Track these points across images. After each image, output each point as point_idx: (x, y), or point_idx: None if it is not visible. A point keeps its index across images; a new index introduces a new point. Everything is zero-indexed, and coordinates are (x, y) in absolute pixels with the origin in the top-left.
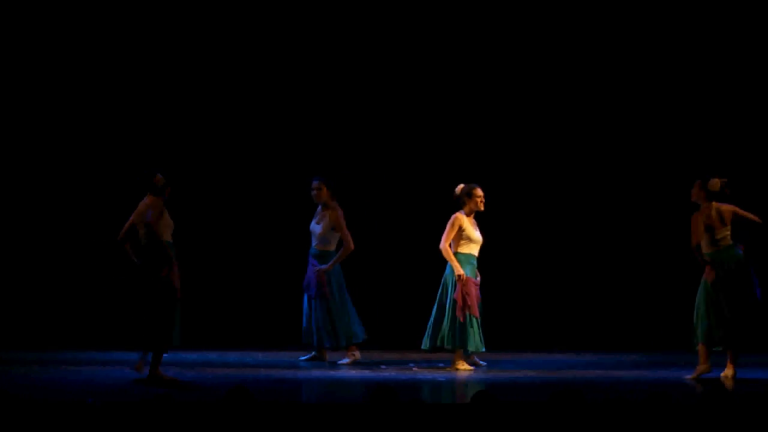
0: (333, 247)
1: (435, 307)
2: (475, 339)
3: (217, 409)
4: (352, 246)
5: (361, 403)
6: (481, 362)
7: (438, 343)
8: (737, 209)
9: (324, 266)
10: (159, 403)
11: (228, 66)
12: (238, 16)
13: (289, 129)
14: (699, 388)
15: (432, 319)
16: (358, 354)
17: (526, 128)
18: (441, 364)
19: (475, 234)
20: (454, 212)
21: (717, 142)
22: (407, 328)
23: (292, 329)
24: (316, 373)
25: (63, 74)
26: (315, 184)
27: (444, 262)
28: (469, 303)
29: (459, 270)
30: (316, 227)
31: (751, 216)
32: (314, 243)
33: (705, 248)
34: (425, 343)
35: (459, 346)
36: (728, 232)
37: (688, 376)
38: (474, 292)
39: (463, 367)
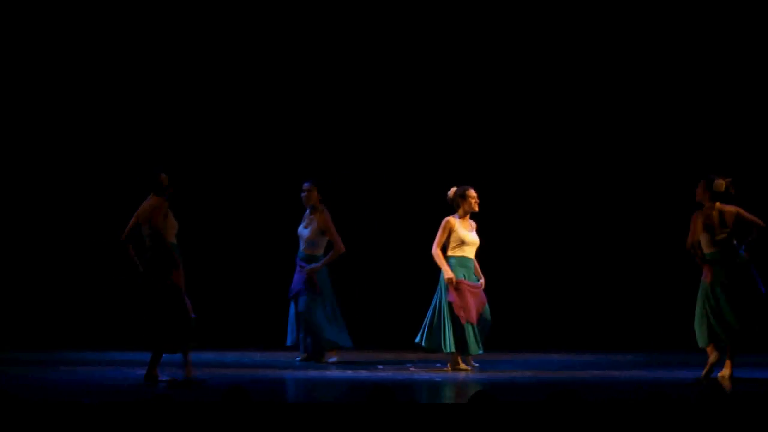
0: (321, 251)
1: (430, 309)
2: (470, 341)
3: (215, 409)
4: (342, 248)
5: (358, 403)
6: (474, 363)
7: (434, 345)
8: (741, 211)
9: (313, 265)
10: (156, 404)
11: (218, 70)
12: (230, 20)
13: (283, 132)
14: (697, 387)
15: (427, 319)
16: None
17: (523, 128)
18: (438, 365)
19: (469, 236)
20: (450, 214)
21: (718, 142)
22: (404, 329)
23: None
24: (313, 373)
25: (62, 75)
26: (306, 186)
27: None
28: (464, 305)
29: (448, 274)
30: (304, 231)
31: (754, 219)
32: (302, 247)
33: (705, 248)
34: (419, 338)
35: (456, 349)
36: (729, 234)
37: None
38: (467, 295)
39: (462, 367)
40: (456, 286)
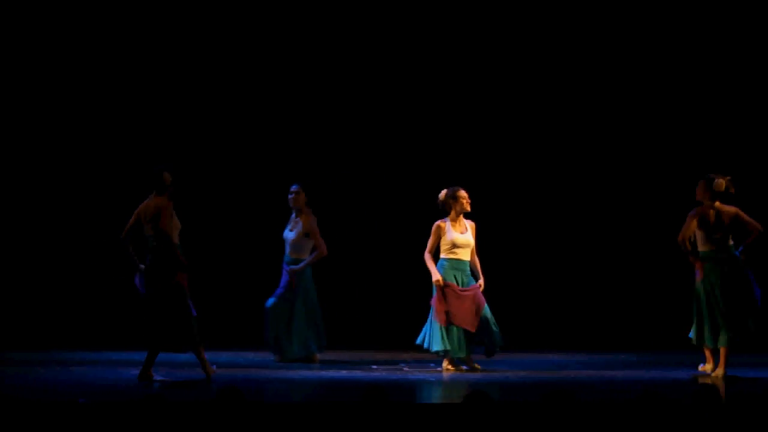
0: (306, 255)
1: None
2: (445, 342)
3: (209, 408)
4: (325, 251)
5: (352, 403)
6: (463, 366)
7: (422, 342)
8: (740, 212)
9: (296, 266)
10: (150, 403)
11: (207, 72)
12: (222, 20)
13: (276, 136)
14: (690, 387)
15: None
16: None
17: (518, 129)
18: (432, 365)
19: (460, 238)
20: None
21: (715, 141)
22: (398, 329)
23: None
24: (307, 373)
25: (61, 76)
26: (294, 189)
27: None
28: (445, 309)
29: (435, 276)
30: (289, 234)
31: (753, 222)
32: (288, 250)
33: (700, 246)
34: (419, 340)
35: (433, 348)
36: (724, 234)
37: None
38: (452, 299)
39: (449, 368)
40: (443, 289)
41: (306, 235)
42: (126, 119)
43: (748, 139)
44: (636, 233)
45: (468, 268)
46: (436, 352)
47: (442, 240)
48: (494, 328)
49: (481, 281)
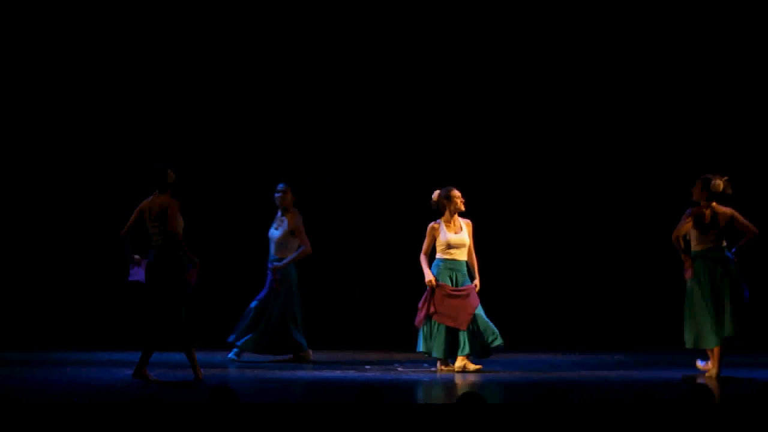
0: (291, 254)
1: None
2: (427, 343)
3: (202, 409)
4: (309, 249)
5: (346, 403)
6: (471, 365)
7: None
8: (736, 214)
9: (279, 263)
10: (144, 403)
11: (194, 72)
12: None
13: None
14: (685, 387)
15: None
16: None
17: (515, 130)
18: (426, 365)
19: (454, 238)
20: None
21: (708, 143)
22: (392, 330)
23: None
24: (300, 373)
25: (58, 75)
26: (281, 187)
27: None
28: (432, 310)
29: (428, 277)
30: (274, 233)
31: (748, 225)
32: (272, 250)
33: (693, 245)
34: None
35: (417, 349)
36: (718, 234)
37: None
38: (442, 299)
39: (444, 369)
40: (433, 290)
41: (291, 233)
42: (116, 119)
43: (742, 140)
44: (629, 234)
45: (464, 268)
46: (422, 353)
47: (437, 241)
48: (488, 329)
49: (477, 281)
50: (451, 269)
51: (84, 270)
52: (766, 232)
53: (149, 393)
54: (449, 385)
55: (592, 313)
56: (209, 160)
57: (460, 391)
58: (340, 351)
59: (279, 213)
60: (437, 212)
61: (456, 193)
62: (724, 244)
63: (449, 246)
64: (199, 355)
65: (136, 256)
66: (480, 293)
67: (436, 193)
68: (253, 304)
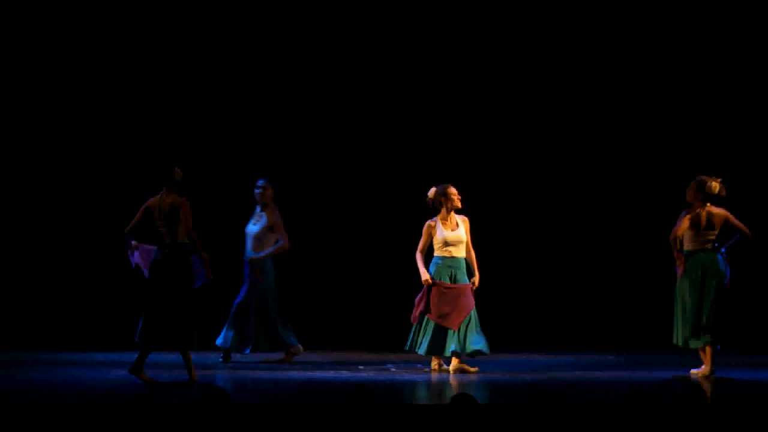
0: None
1: None
2: (417, 340)
3: (196, 409)
4: (288, 245)
5: (339, 403)
6: (445, 365)
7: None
8: (729, 216)
9: (256, 255)
10: (139, 404)
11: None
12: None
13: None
14: (676, 387)
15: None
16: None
17: (512, 131)
18: (419, 365)
19: (451, 236)
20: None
21: (700, 144)
22: (385, 330)
23: None
24: (294, 374)
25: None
26: (261, 183)
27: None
28: (426, 308)
29: (424, 276)
30: (252, 228)
31: (741, 226)
32: (249, 245)
33: (686, 245)
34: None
35: (412, 348)
36: (712, 235)
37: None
38: (438, 297)
39: (437, 368)
40: (430, 288)
41: (270, 228)
42: (115, 119)
43: (736, 142)
44: (622, 235)
45: (463, 265)
46: (406, 350)
47: (433, 239)
48: (477, 334)
49: (476, 278)
50: (449, 267)
51: (81, 270)
52: (758, 234)
53: (144, 393)
54: (442, 385)
55: (585, 314)
56: (209, 160)
57: (453, 392)
58: (333, 351)
59: (258, 208)
60: (434, 210)
61: (452, 190)
62: (716, 244)
63: (446, 243)
64: (193, 356)
65: (133, 242)
66: (476, 293)
67: (432, 191)
68: (237, 300)
